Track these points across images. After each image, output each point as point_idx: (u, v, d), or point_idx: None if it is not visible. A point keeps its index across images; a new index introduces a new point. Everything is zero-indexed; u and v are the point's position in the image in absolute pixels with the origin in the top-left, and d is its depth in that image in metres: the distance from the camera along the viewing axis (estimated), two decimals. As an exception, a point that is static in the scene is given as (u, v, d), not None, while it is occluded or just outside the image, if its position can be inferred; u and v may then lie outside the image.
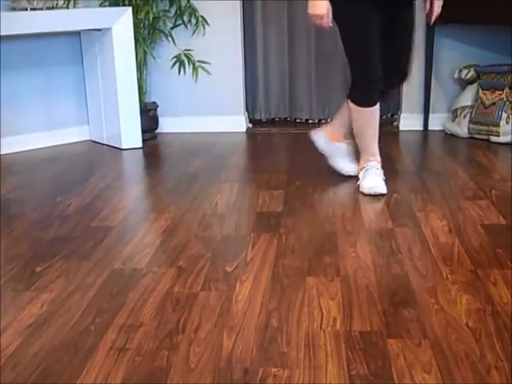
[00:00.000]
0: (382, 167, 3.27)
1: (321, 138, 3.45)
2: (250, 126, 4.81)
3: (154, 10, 4.40)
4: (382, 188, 3.16)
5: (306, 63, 4.82)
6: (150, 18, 4.34)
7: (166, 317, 2.06)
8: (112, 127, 4.29)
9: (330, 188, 3.30)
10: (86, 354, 1.86)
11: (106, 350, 1.88)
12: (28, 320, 2.06)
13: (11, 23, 3.69)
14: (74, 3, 4.23)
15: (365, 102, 3.14)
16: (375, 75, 3.06)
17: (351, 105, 3.17)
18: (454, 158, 3.90)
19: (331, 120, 3.60)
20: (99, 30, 4.12)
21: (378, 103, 3.18)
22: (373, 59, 3.04)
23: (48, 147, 4.35)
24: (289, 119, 4.98)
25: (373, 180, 3.18)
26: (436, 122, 4.52)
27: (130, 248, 2.63)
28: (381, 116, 4.78)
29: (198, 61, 4.58)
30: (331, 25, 2.97)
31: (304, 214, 2.96)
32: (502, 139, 4.10)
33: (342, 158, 3.45)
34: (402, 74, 3.21)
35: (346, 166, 3.43)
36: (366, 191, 3.16)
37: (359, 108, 3.15)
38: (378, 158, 3.27)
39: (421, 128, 4.54)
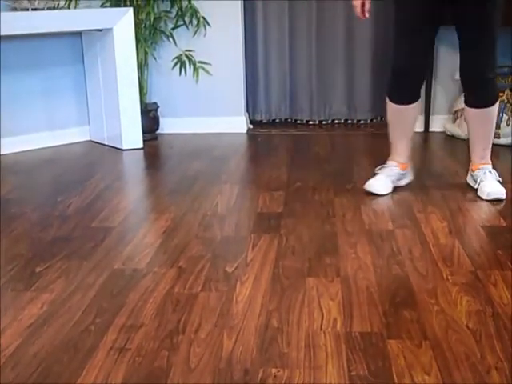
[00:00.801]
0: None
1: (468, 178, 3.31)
2: (251, 126, 4.81)
3: (155, 10, 4.41)
4: (380, 189, 3.16)
5: (307, 64, 4.82)
6: (151, 19, 4.34)
7: (166, 317, 2.06)
8: (112, 127, 4.29)
9: (330, 189, 3.30)
10: (86, 354, 1.86)
11: (106, 350, 1.88)
12: (28, 320, 2.06)
13: (12, 23, 3.70)
14: (76, 3, 4.23)
15: (392, 96, 3.13)
16: (404, 73, 3.03)
17: (386, 96, 3.18)
18: (455, 160, 3.90)
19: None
20: (100, 30, 4.13)
21: (412, 104, 3.11)
22: (406, 57, 3.00)
23: (48, 147, 4.35)
24: (289, 120, 4.98)
25: (375, 182, 3.18)
26: (437, 124, 4.52)
27: (130, 248, 2.63)
28: (381, 117, 4.86)
29: (199, 61, 4.58)
30: (367, 15, 2.98)
31: (304, 214, 2.96)
32: (503, 141, 4.10)
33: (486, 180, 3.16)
34: (469, 72, 3.02)
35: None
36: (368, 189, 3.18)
37: (388, 101, 3.15)
38: (401, 158, 3.24)
39: (421, 129, 4.54)
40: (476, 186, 3.17)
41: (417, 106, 3.17)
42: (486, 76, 2.99)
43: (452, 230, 2.73)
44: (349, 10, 4.66)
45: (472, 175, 3.23)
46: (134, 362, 1.82)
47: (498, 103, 3.09)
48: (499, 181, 3.15)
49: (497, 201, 3.06)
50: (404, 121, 3.18)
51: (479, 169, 3.18)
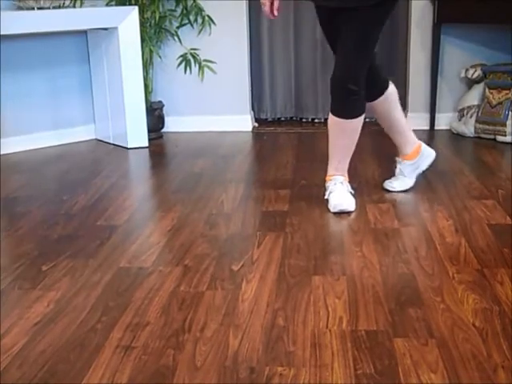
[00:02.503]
0: (388, 167, 3.26)
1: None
2: (256, 125, 4.81)
3: (161, 9, 4.41)
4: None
5: (312, 62, 4.81)
6: (157, 17, 4.34)
7: (171, 316, 2.06)
8: (118, 126, 4.30)
9: (336, 187, 3.29)
10: (92, 352, 1.87)
11: (113, 349, 1.88)
12: (34, 318, 2.06)
13: (18, 22, 3.70)
14: (81, 2, 4.24)
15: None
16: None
17: None
18: (461, 158, 3.89)
19: None
20: (105, 29, 4.13)
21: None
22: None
23: (54, 146, 4.35)
24: (295, 118, 4.98)
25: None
26: (442, 122, 4.51)
27: (135, 247, 2.63)
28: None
29: (204, 60, 4.58)
30: (276, 14, 2.87)
31: (310, 213, 2.96)
32: (509, 139, 4.09)
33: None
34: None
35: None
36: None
37: None
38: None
39: (427, 127, 4.53)
40: (326, 197, 3.00)
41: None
42: (348, 87, 2.83)
43: (458, 229, 2.72)
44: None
45: (324, 186, 3.05)
46: (140, 360, 1.82)
47: (360, 118, 2.91)
48: (351, 193, 3.00)
49: (344, 213, 2.91)
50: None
51: (331, 179, 3.01)
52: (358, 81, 2.84)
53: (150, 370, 1.78)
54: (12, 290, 2.27)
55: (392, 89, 3.09)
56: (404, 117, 3.20)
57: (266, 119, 4.95)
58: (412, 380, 1.69)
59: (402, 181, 3.21)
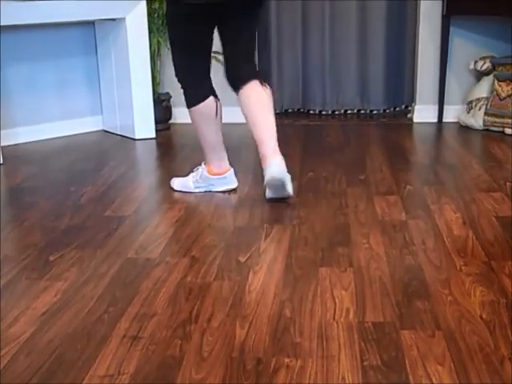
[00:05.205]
0: (396, 160, 3.25)
1: None
2: (264, 117, 4.79)
3: None
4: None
5: (320, 54, 4.80)
6: (164, 8, 4.32)
7: (178, 306, 2.07)
8: (125, 117, 4.30)
9: (343, 179, 3.29)
10: (100, 342, 1.87)
11: (119, 339, 1.88)
12: (42, 308, 2.07)
13: (26, 12, 3.70)
14: (88, -7, 4.23)
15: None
16: None
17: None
18: (469, 150, 3.87)
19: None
20: (113, 19, 4.12)
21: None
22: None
23: (62, 137, 4.36)
24: (302, 110, 4.97)
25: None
26: (451, 114, 4.50)
27: (143, 238, 2.63)
28: (394, 107, 4.85)
29: (212, 51, 4.55)
30: None
31: (317, 205, 2.95)
32: (514, 131, 4.07)
33: None
34: None
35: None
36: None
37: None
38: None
39: (435, 120, 4.52)
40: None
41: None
42: None
43: (466, 221, 2.71)
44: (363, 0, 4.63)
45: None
46: (147, 350, 1.83)
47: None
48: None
49: None
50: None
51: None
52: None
53: (157, 360, 1.78)
54: (20, 280, 2.28)
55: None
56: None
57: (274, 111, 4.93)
58: (419, 372, 1.69)
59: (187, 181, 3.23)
